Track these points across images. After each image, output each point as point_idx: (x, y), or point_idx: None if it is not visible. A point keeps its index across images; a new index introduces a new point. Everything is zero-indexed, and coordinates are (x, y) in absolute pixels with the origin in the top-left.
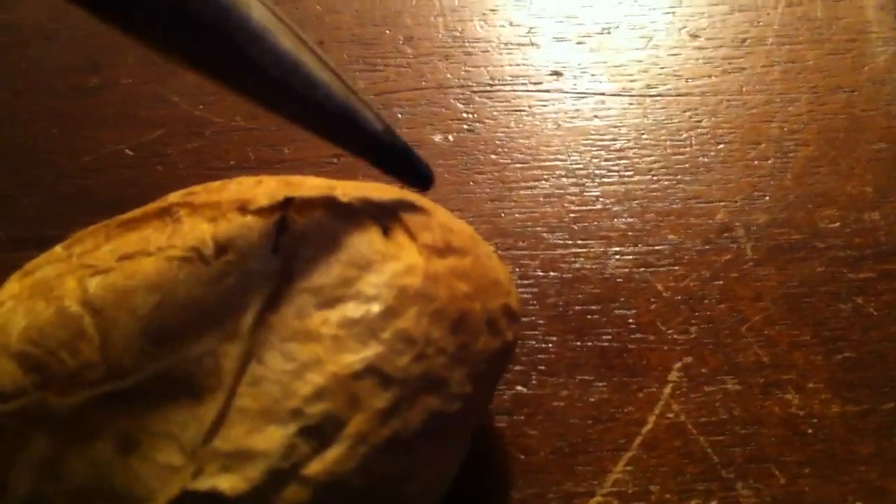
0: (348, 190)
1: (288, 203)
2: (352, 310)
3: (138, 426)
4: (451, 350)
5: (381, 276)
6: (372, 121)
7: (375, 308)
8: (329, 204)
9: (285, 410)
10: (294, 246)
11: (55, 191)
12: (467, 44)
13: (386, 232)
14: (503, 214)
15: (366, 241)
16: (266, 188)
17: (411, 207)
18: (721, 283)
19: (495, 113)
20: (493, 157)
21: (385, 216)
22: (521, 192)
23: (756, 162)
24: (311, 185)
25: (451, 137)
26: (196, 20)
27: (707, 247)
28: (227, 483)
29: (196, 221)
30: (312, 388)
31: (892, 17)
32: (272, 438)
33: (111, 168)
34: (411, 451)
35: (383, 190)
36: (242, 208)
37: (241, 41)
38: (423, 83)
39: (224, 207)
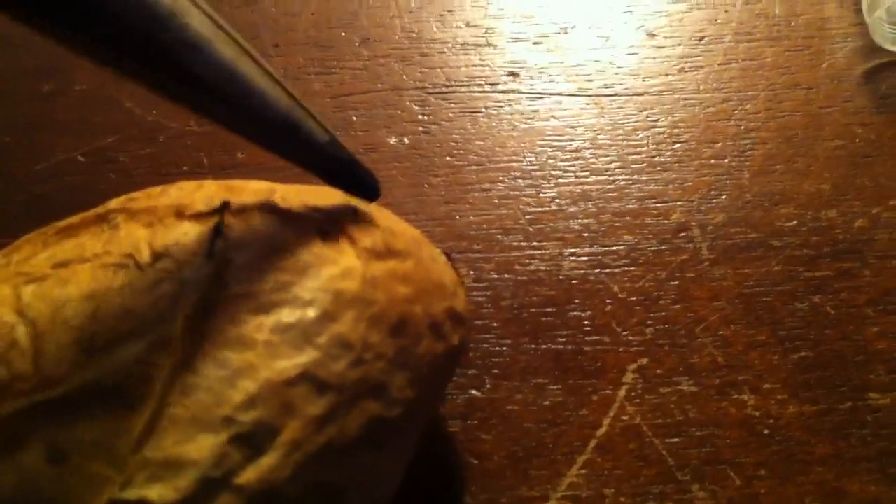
0: (288, 194)
1: (225, 207)
2: (287, 315)
3: (68, 436)
4: (391, 354)
5: (318, 281)
6: (315, 132)
7: (311, 313)
8: (267, 208)
9: (217, 418)
10: (229, 251)
11: (7, 198)
12: (424, 45)
13: (325, 236)
14: (458, 217)
15: (303, 246)
16: (205, 193)
17: (352, 211)
18: (677, 283)
19: (451, 115)
20: (448, 159)
21: (324, 220)
22: (477, 194)
23: (713, 161)
24: (251, 190)
25: (406, 140)
26: (130, 30)
27: (663, 247)
28: (156, 493)
29: (133, 227)
30: (245, 396)
31: (852, 13)
32: (203, 447)
33: (64, 175)
34: (350, 458)
35: (326, 193)
36: (179, 213)
37: (177, 50)
38: (379, 85)
39: (161, 213)
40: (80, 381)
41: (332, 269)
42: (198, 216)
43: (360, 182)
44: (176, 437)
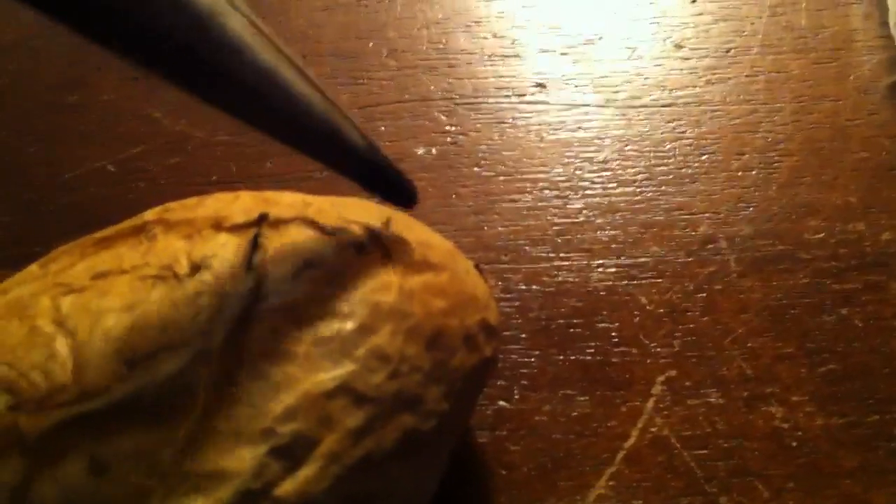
0: (324, 206)
1: (262, 220)
2: (325, 328)
3: (109, 448)
4: (427, 367)
5: (355, 294)
6: (354, 137)
7: (349, 326)
8: (304, 221)
9: (257, 430)
10: (268, 264)
11: (37, 208)
12: (451, 56)
13: (360, 248)
14: (486, 228)
15: (340, 259)
16: (241, 205)
17: (388, 223)
18: (705, 295)
19: (479, 125)
20: (476, 169)
21: (360, 233)
22: (505, 205)
23: (740, 173)
24: (287, 202)
25: (434, 150)
26: (169, 31)
27: (690, 259)
28: None
29: (171, 239)
30: (284, 408)
31: (878, 26)
32: (243, 459)
33: (93, 184)
34: (385, 471)
35: (360, 205)
36: (217, 225)
37: (217, 53)
38: (407, 96)
39: (199, 224)
40: (121, 393)
41: (369, 282)
42: (236, 228)
43: (398, 188)
44: (216, 449)
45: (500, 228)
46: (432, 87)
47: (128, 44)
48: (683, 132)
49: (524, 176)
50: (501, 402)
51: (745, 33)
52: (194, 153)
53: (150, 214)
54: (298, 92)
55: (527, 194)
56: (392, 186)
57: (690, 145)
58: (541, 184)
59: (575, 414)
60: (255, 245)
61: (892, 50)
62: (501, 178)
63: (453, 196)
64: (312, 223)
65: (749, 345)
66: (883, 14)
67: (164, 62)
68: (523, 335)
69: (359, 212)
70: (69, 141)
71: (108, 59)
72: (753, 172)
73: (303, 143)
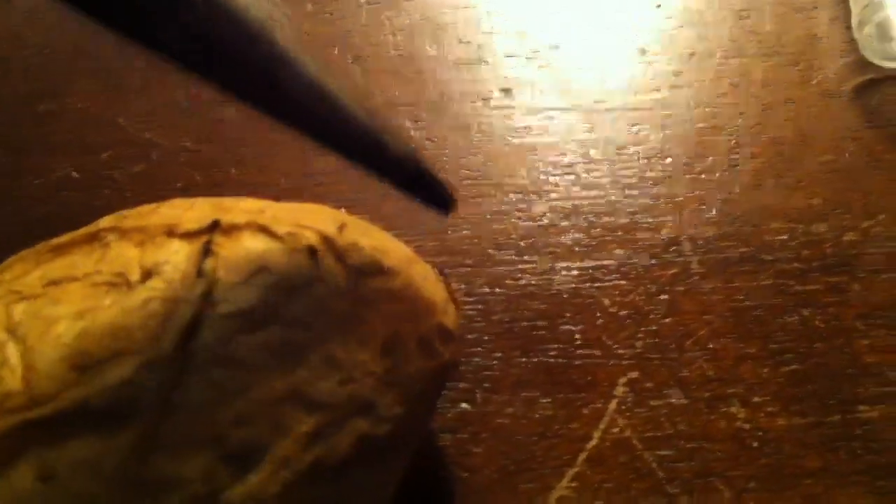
0: (279, 212)
1: (215, 226)
2: (275, 334)
3: (58, 454)
4: (380, 372)
5: (307, 300)
6: (396, 143)
7: (300, 332)
8: (257, 227)
9: (206, 437)
10: (219, 270)
11: (2, 216)
12: (417, 62)
13: (313, 254)
14: (450, 232)
15: (292, 264)
16: (196, 212)
17: (342, 229)
18: (667, 297)
19: (444, 130)
20: (441, 174)
21: (314, 238)
22: (469, 209)
23: (703, 176)
24: (242, 208)
25: None
26: (223, 45)
27: (654, 261)
28: None
29: (124, 246)
30: (234, 414)
31: (842, 30)
32: (193, 465)
33: (58, 192)
34: (339, 476)
35: (316, 211)
36: (170, 232)
37: (267, 66)
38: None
39: (152, 231)
40: (71, 399)
41: (322, 287)
42: (188, 235)
43: (437, 194)
44: (166, 455)
45: (464, 232)
46: (398, 93)
47: (184, 55)
48: (647, 136)
49: (489, 180)
50: (463, 405)
51: (710, 38)
52: (160, 161)
53: (105, 222)
54: (342, 101)
55: (491, 198)
56: (432, 191)
57: (654, 149)
58: (505, 188)
59: (537, 416)
60: (206, 251)
61: (856, 53)
62: (466, 182)
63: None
64: (265, 229)
65: (711, 346)
66: (847, 18)
67: (218, 73)
68: (486, 338)
69: (313, 217)
70: (38, 150)
71: (77, 68)
72: (717, 175)
73: (347, 149)
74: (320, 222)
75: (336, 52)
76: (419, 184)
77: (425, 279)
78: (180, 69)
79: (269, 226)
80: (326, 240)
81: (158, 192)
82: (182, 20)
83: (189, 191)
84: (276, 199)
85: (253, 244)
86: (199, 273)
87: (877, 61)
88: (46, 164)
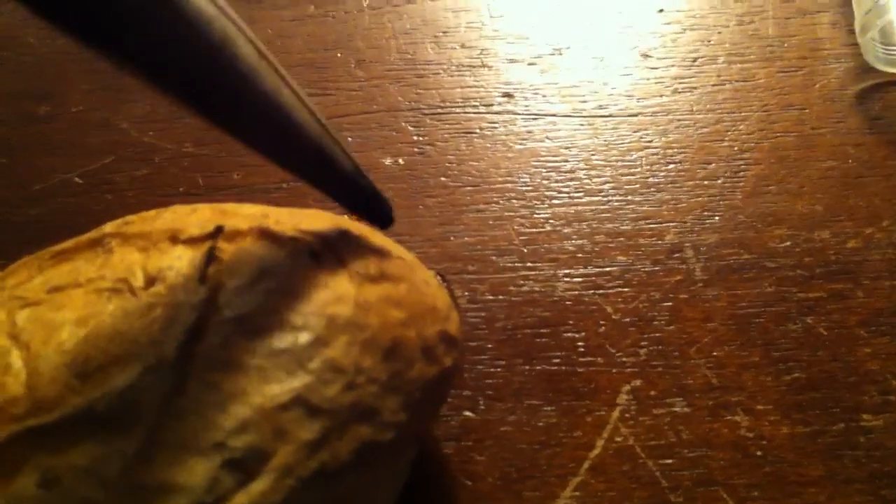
0: (281, 218)
1: (218, 232)
2: (279, 340)
3: (61, 461)
4: (383, 379)
5: (310, 306)
6: (342, 161)
7: (303, 338)
8: (260, 232)
9: (209, 443)
10: (222, 275)
11: (3, 220)
12: (419, 66)
13: (317, 260)
14: (453, 238)
15: (295, 270)
16: (198, 217)
17: (345, 235)
18: (670, 304)
19: (446, 136)
20: (443, 180)
21: (317, 244)
22: (471, 215)
23: (706, 182)
24: (244, 214)
25: (401, 161)
26: (182, 58)
27: (657, 268)
28: None
29: (127, 252)
30: (237, 421)
31: (845, 34)
32: (195, 472)
33: (60, 196)
34: (341, 483)
35: (319, 217)
36: (174, 238)
37: (226, 80)
38: (374, 106)
39: (155, 237)
40: (74, 405)
41: (325, 293)
42: (191, 241)
43: (378, 211)
44: (168, 462)
45: (466, 238)
46: (400, 98)
47: (143, 68)
48: (650, 141)
49: (491, 186)
50: (467, 413)
51: (712, 42)
52: (162, 165)
53: (108, 227)
54: (297, 118)
55: (493, 204)
56: (373, 209)
57: (657, 154)
58: (508, 193)
59: (540, 424)
60: (209, 257)
61: (858, 58)
62: (468, 188)
63: (420, 206)
64: (268, 234)
65: (714, 354)
66: (850, 22)
67: (176, 87)
68: (489, 345)
69: (316, 222)
70: (39, 152)
71: (77, 70)
72: (719, 181)
73: (294, 165)
74: (323, 227)
75: (338, 55)
76: (362, 200)
77: (428, 285)
78: (140, 81)
79: (272, 230)
80: (328, 245)
81: (160, 196)
82: (144, 32)
83: (191, 195)
84: (279, 204)
85: (256, 249)
86: (203, 279)
87: (880, 66)
88: (48, 169)
